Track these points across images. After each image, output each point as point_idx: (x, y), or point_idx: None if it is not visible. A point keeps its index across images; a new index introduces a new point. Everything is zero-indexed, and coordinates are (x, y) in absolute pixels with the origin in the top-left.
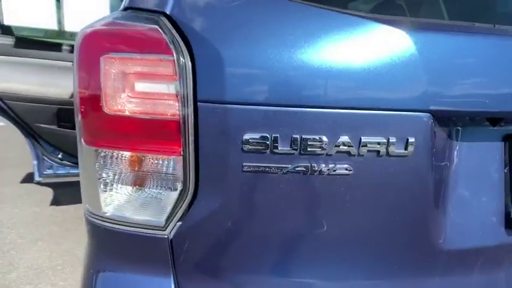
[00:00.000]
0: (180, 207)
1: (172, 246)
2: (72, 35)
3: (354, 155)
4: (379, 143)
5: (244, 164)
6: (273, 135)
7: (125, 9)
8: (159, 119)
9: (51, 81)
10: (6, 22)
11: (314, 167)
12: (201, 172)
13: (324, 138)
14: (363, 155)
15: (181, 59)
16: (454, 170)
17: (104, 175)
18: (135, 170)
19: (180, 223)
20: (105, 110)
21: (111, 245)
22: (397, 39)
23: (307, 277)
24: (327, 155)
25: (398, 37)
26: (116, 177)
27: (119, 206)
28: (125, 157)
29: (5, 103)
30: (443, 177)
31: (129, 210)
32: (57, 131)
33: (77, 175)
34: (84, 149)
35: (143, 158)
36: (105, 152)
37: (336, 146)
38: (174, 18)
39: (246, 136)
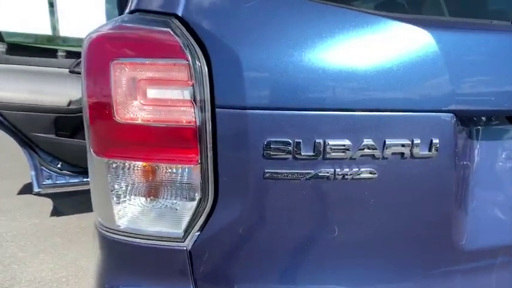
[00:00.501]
0: (199, 217)
1: (192, 258)
2: (66, 40)
3: (378, 158)
4: (403, 145)
5: (266, 170)
6: (295, 140)
7: (132, 11)
8: (174, 126)
9: (47, 89)
10: None
11: (338, 171)
12: (220, 180)
13: (348, 142)
14: (387, 158)
15: (197, 63)
16: (475, 169)
17: (117, 187)
18: (150, 180)
19: (199, 233)
20: (116, 118)
21: (126, 258)
22: (419, 39)
23: (331, 283)
24: (350, 158)
25: (420, 37)
26: (130, 188)
27: (134, 218)
28: (139, 167)
29: (0, 113)
30: (465, 176)
31: (144, 222)
32: (55, 140)
33: (78, 184)
34: (94, 160)
35: (158, 167)
36: (117, 163)
37: (359, 149)
38: (187, 20)
39: (267, 142)
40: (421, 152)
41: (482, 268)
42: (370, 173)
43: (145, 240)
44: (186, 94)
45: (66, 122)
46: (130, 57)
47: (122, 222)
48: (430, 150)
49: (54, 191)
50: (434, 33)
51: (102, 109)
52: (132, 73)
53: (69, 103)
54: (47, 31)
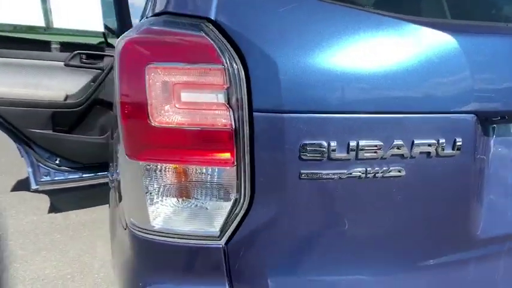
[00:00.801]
0: (236, 216)
1: (228, 255)
2: (60, 31)
3: (406, 157)
4: (430, 145)
5: (302, 171)
6: (330, 142)
7: (158, 14)
8: (210, 129)
9: (42, 83)
10: None
11: (369, 170)
12: (256, 181)
13: (379, 143)
14: (414, 157)
15: (233, 67)
16: (490, 164)
17: (151, 188)
18: (185, 182)
19: (235, 231)
20: (151, 122)
21: (160, 257)
22: (443, 44)
23: (361, 273)
24: (381, 158)
25: (444, 41)
26: (165, 190)
27: (169, 218)
28: (174, 170)
29: None
30: (481, 171)
31: (179, 222)
32: (52, 136)
33: (77, 180)
34: (128, 163)
35: (193, 169)
36: (152, 166)
37: (390, 149)
38: (220, 23)
39: (303, 144)
40: (446, 150)
41: (493, 255)
42: (399, 171)
43: (180, 240)
44: (222, 98)
45: (64, 117)
46: (165, 61)
47: (157, 223)
48: (453, 148)
49: (52, 188)
50: (457, 37)
51: (137, 113)
52: (166, 77)
53: (66, 97)
54: (40, 22)
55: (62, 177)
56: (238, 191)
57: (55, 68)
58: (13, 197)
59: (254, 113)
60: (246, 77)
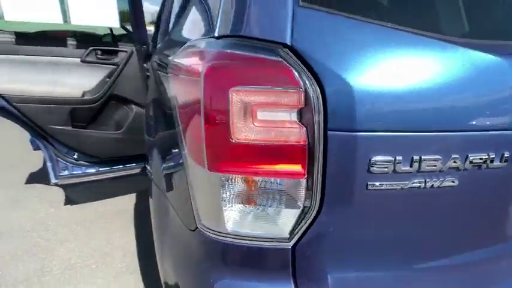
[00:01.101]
0: (305, 222)
1: (295, 256)
2: (78, 28)
3: (460, 170)
4: (481, 159)
5: (369, 183)
6: (397, 157)
7: (224, 36)
8: (286, 145)
9: (61, 80)
10: (7, 18)
11: (428, 181)
12: (326, 192)
13: (439, 157)
14: (467, 169)
15: (310, 89)
16: None
17: (228, 196)
18: (261, 191)
19: (303, 235)
20: (232, 138)
21: (229, 256)
22: (494, 67)
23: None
24: (439, 171)
25: (495, 64)
26: (240, 198)
27: (243, 223)
28: (250, 181)
29: (14, 107)
30: None
31: (252, 226)
32: (71, 132)
33: (94, 174)
34: (207, 175)
35: (268, 180)
36: (230, 177)
37: (447, 162)
38: (296, 47)
39: (372, 159)
40: (495, 163)
41: None
42: (452, 181)
43: (251, 241)
44: (298, 117)
45: (81, 112)
46: (247, 85)
47: (230, 226)
48: (501, 161)
49: (71, 182)
50: (507, 59)
51: (219, 131)
52: (248, 99)
53: (83, 94)
54: (59, 19)
55: (80, 172)
56: (309, 199)
57: (72, 65)
58: (28, 190)
59: (328, 132)
60: (322, 98)
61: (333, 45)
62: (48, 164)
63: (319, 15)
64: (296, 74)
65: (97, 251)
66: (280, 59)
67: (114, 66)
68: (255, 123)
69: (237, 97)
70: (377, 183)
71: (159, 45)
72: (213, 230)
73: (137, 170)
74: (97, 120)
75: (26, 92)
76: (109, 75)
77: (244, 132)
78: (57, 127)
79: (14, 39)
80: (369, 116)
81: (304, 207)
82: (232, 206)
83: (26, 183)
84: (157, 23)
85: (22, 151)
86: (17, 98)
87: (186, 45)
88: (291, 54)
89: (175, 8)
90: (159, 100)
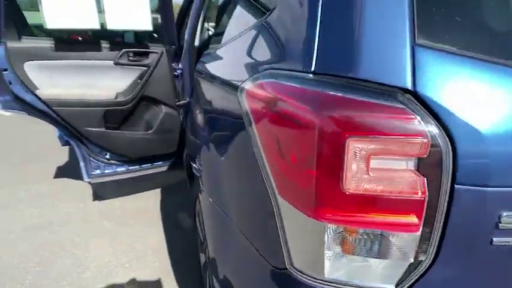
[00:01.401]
0: (414, 276)
1: None
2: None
3: None
4: None
5: (494, 239)
6: None
7: (324, 74)
8: (403, 198)
9: (96, 83)
10: (49, 26)
11: None
12: (443, 246)
13: None
14: None
15: (438, 139)
16: None
17: (331, 245)
18: (367, 243)
19: (410, 287)
20: (345, 189)
21: None
22: None
23: None
24: None
25: None
26: (344, 247)
27: (343, 271)
28: (357, 232)
29: (53, 111)
30: None
31: (356, 276)
32: (105, 133)
33: (124, 173)
34: (311, 222)
35: (378, 233)
36: (337, 227)
37: None
38: (418, 92)
39: (501, 215)
40: None
41: None
42: None
43: None
44: (419, 167)
45: (114, 114)
46: (365, 133)
47: (331, 275)
48: None
49: (103, 180)
50: None
51: (331, 180)
52: (367, 148)
53: (116, 95)
54: (96, 26)
55: (111, 171)
56: (423, 253)
57: (106, 67)
58: (54, 184)
59: (455, 186)
60: (452, 150)
61: (457, 89)
62: (81, 164)
63: (440, 55)
64: (422, 122)
65: (130, 248)
66: (403, 106)
67: (145, 68)
68: (371, 174)
69: (355, 146)
70: (503, 239)
71: (204, 57)
72: (307, 275)
73: (165, 168)
74: (128, 121)
75: (62, 95)
76: (140, 77)
77: (358, 182)
78: (93, 129)
79: (53, 45)
80: (501, 170)
81: (416, 260)
82: (334, 254)
83: (54, 178)
84: (180, 20)
85: (42, 145)
86: (55, 102)
87: (263, 72)
88: (413, 99)
89: (228, 15)
90: (217, 120)
